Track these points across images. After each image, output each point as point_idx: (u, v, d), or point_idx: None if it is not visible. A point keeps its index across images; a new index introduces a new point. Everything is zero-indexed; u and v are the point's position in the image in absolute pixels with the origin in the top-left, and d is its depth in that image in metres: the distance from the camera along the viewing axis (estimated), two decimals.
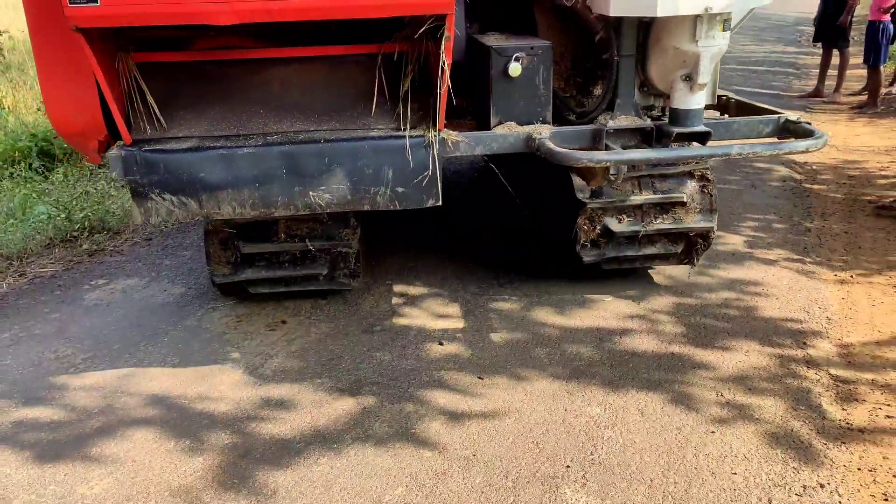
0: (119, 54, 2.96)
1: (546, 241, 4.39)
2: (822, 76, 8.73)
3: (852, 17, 8.36)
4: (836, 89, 8.63)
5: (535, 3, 3.59)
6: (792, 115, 3.55)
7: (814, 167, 6.09)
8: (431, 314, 3.74)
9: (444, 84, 2.90)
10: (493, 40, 3.38)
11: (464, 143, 3.20)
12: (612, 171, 3.35)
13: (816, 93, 8.69)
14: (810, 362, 3.24)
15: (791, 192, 5.46)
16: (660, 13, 2.98)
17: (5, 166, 6.68)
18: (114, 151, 2.93)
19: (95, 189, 5.65)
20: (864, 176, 5.81)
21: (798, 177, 5.83)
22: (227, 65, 3.13)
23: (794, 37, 14.04)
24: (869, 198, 5.25)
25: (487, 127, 3.32)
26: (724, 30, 3.12)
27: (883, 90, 8.33)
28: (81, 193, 5.43)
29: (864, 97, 8.25)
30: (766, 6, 3.63)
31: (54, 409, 3.05)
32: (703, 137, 3.27)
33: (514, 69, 3.21)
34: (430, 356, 3.35)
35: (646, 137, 3.36)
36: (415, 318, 3.71)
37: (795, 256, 4.32)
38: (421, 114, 3.13)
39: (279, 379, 3.20)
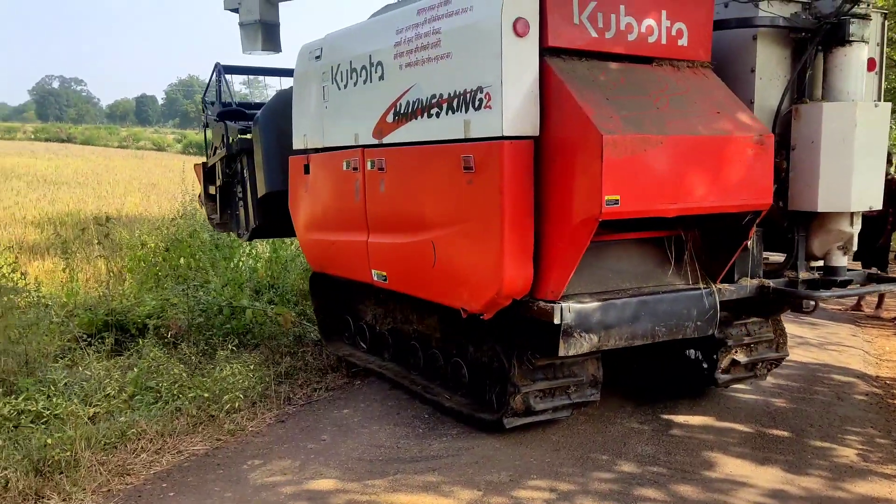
0: None
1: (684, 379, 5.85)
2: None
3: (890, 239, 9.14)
4: (878, 305, 9.23)
5: None
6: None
7: (886, 381, 6.46)
8: None
9: (736, 256, 4.64)
10: None
11: (728, 291, 4.76)
12: (805, 306, 5.10)
13: (857, 307, 9.26)
14: None
15: (878, 406, 5.78)
16: (852, 208, 4.78)
17: (85, 338, 6.89)
18: (555, 304, 4.16)
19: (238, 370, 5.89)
20: None
21: (878, 391, 6.18)
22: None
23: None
24: None
25: (732, 281, 4.85)
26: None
27: None
28: (229, 374, 5.69)
29: None
30: None
31: None
32: (847, 283, 5.05)
33: (750, 243, 4.75)
34: None
35: (813, 285, 5.03)
36: None
37: None
38: (694, 273, 4.76)
39: None
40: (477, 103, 4.31)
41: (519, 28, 4.13)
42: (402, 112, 4.98)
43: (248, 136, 7.16)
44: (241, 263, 10.32)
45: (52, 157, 38.81)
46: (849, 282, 5.04)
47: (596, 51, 4.38)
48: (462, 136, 4.45)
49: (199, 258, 10.10)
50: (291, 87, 7.21)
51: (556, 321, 4.11)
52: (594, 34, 4.34)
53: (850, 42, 4.81)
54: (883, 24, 5.23)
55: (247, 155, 7.18)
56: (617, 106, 4.15)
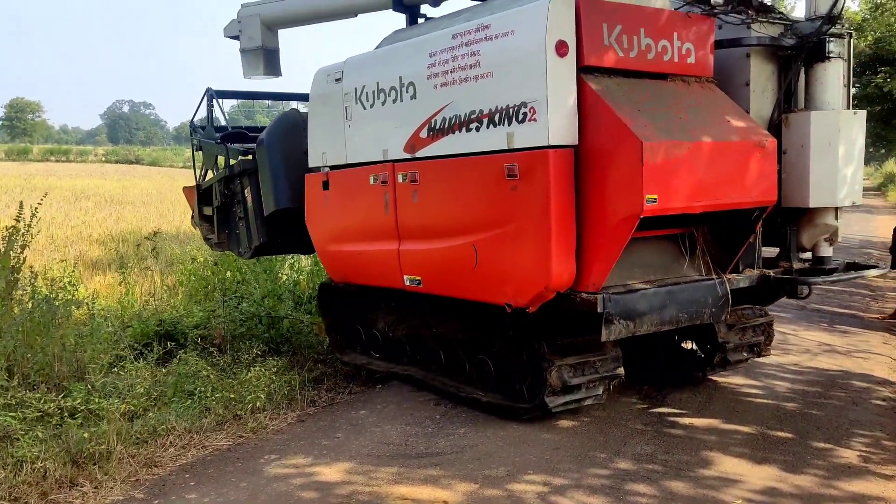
0: None
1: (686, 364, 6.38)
2: None
3: None
4: None
5: None
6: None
7: None
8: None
9: (744, 249, 5.24)
10: None
11: (737, 280, 5.24)
12: (800, 292, 5.55)
13: (895, 315, 9.13)
14: None
15: (892, 411, 5.77)
16: (838, 203, 5.41)
17: (137, 347, 7.36)
18: (598, 295, 4.62)
19: (261, 374, 6.28)
20: None
21: None
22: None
23: (862, 260, 14.59)
24: None
25: (738, 272, 5.37)
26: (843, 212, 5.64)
27: None
28: (253, 377, 6.07)
29: None
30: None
31: None
32: (833, 271, 5.61)
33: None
34: None
35: (805, 273, 5.57)
36: None
37: None
38: (706, 265, 5.28)
39: None
40: (521, 117, 4.79)
41: (560, 49, 4.64)
42: (437, 128, 5.38)
43: (249, 157, 7.45)
44: (282, 276, 10.81)
45: (120, 178, 40.64)
46: (834, 269, 5.63)
47: (622, 68, 4.91)
48: (505, 147, 4.91)
49: (243, 272, 10.63)
50: (293, 111, 7.60)
51: (600, 310, 4.59)
52: (621, 53, 4.88)
53: (829, 58, 5.41)
54: (848, 42, 5.75)
55: (248, 175, 7.42)
56: (648, 116, 4.69)
